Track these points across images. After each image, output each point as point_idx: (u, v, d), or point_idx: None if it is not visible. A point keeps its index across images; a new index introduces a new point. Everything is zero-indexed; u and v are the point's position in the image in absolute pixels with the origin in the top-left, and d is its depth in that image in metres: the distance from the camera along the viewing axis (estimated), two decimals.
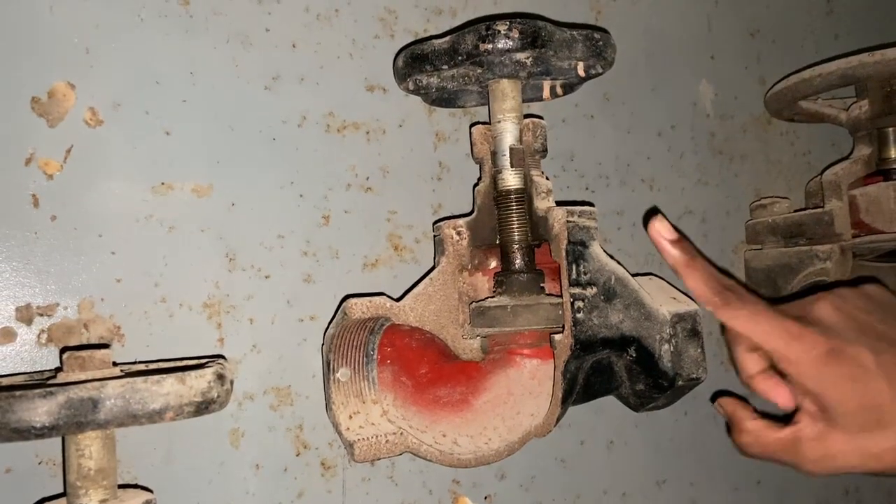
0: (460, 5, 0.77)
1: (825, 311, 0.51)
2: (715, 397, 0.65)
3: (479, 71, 0.63)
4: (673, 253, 0.55)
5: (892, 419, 0.47)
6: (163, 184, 0.63)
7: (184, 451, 0.62)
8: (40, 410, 0.41)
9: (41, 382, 0.48)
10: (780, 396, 0.53)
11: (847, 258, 0.80)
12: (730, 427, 0.61)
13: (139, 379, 0.44)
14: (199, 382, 0.46)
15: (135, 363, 0.60)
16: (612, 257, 0.62)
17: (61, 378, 0.48)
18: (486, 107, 0.67)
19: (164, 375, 0.45)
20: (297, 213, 0.68)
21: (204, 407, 0.46)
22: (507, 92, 0.64)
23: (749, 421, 0.57)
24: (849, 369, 0.48)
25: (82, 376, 0.47)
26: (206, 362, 0.51)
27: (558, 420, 0.61)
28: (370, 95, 0.72)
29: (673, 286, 0.71)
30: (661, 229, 0.55)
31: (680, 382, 0.62)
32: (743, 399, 0.62)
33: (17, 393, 0.41)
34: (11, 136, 0.58)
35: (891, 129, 0.82)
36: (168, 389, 0.44)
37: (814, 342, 0.49)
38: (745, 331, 0.52)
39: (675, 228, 0.56)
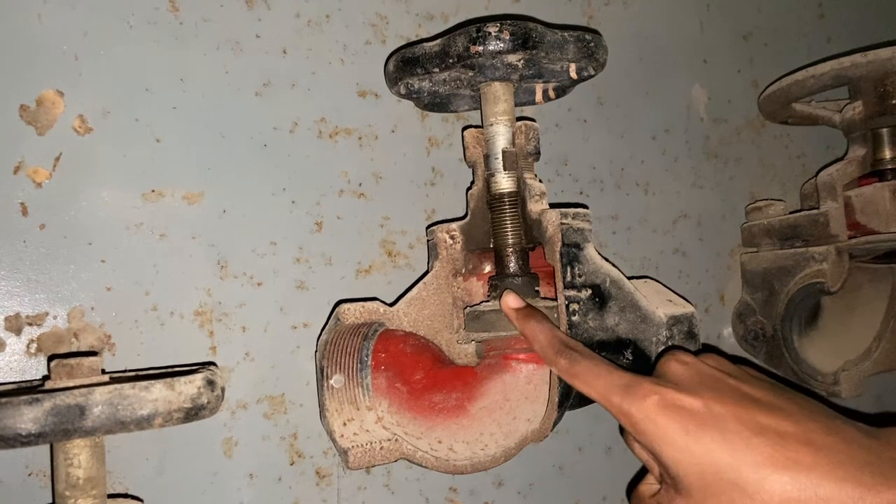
0: (452, 10, 0.77)
1: (670, 365, 0.47)
2: None
3: (470, 74, 0.63)
4: (512, 305, 0.57)
5: (732, 478, 0.39)
6: (153, 191, 0.63)
7: (176, 460, 0.61)
8: (26, 417, 0.40)
9: (27, 389, 0.47)
10: None
11: (843, 259, 0.80)
12: None
13: (127, 385, 0.43)
14: (188, 388, 0.45)
15: (125, 372, 0.59)
16: (607, 260, 0.62)
17: (49, 386, 0.47)
18: (479, 111, 0.66)
19: (153, 381, 0.44)
20: (289, 220, 0.68)
21: (193, 413, 0.45)
22: (498, 95, 0.63)
23: (642, 485, 0.51)
24: (681, 421, 0.42)
25: (70, 384, 0.47)
26: (197, 370, 0.50)
27: (555, 424, 0.60)
28: (362, 101, 0.72)
29: (669, 289, 0.70)
30: (508, 301, 0.58)
31: None
32: None
33: (3, 400, 0.40)
34: (0, 144, 0.58)
35: (885, 130, 0.82)
36: (157, 395, 0.44)
37: (647, 392, 0.43)
38: (584, 388, 0.48)
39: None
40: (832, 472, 0.38)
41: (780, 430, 0.40)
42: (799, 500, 0.38)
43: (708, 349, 0.88)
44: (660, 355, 0.50)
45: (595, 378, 0.47)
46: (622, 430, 0.51)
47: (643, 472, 0.51)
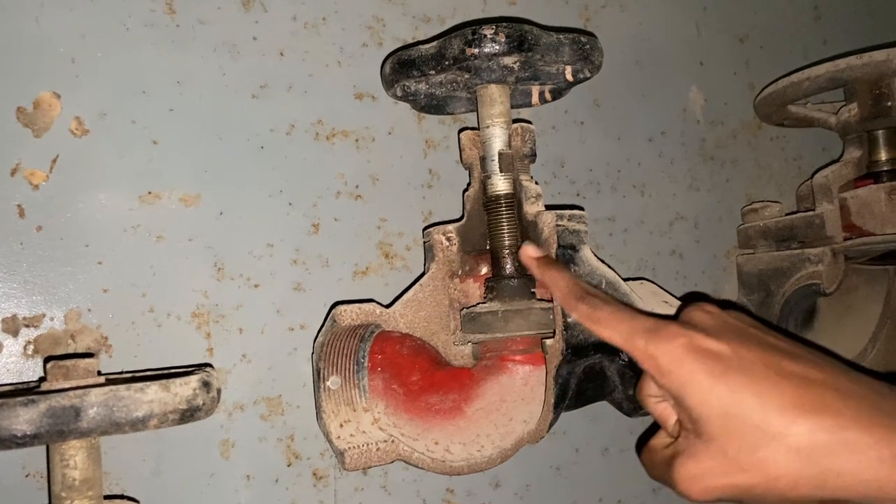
0: (448, 13, 0.78)
1: (695, 314, 0.46)
2: None
3: (466, 76, 0.63)
4: (532, 254, 0.56)
5: (757, 421, 0.39)
6: (150, 193, 0.63)
7: (173, 462, 0.61)
8: (22, 419, 0.40)
9: (23, 391, 0.47)
10: None
11: (839, 261, 0.80)
12: None
13: (122, 386, 0.43)
14: (183, 390, 0.45)
15: (121, 373, 0.59)
16: (603, 262, 0.62)
17: (45, 388, 0.47)
18: (475, 113, 0.66)
19: (148, 383, 0.44)
20: (286, 222, 0.68)
21: (189, 414, 0.46)
22: (495, 97, 0.64)
23: (654, 439, 0.49)
24: (708, 364, 0.41)
25: (66, 385, 0.47)
26: (193, 371, 0.50)
27: (551, 425, 0.60)
28: (359, 103, 0.72)
29: (665, 290, 0.71)
30: (528, 250, 0.57)
31: None
32: None
33: None
34: None
35: (880, 132, 0.82)
36: (152, 397, 0.44)
37: (674, 334, 0.43)
38: (606, 333, 0.47)
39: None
40: (859, 417, 0.38)
41: (806, 375, 0.40)
42: (825, 444, 0.38)
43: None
44: (682, 307, 0.48)
45: (618, 322, 0.46)
46: (637, 380, 0.50)
47: (653, 430, 0.50)
